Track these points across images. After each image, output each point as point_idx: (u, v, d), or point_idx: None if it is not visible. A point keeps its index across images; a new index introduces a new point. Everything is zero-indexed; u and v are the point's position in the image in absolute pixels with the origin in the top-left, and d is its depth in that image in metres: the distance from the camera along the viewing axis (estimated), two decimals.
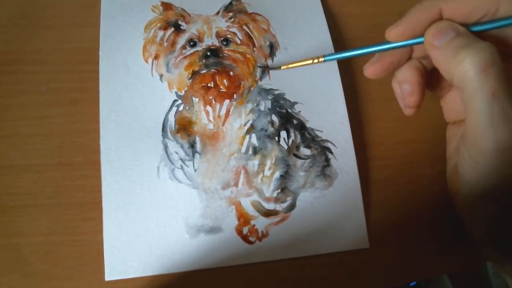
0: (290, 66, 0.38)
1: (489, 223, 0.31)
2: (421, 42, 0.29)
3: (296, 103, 0.42)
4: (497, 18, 0.27)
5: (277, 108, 0.42)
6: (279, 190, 0.39)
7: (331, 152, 0.41)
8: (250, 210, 0.39)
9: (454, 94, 0.36)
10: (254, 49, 0.44)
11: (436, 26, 0.28)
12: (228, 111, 0.41)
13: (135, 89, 0.41)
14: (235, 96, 0.41)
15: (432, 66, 0.33)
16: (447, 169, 0.38)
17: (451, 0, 0.28)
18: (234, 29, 0.44)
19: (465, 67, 0.26)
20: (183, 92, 0.41)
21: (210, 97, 0.41)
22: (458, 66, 0.27)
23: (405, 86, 0.32)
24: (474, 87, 0.26)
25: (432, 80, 0.35)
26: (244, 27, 0.44)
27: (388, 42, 0.30)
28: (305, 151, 0.41)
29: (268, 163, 0.40)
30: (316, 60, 0.32)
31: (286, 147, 0.40)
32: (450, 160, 0.38)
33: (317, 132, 0.41)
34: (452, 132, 0.38)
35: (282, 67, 0.38)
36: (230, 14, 0.45)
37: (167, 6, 0.45)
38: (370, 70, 0.32)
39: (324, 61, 0.32)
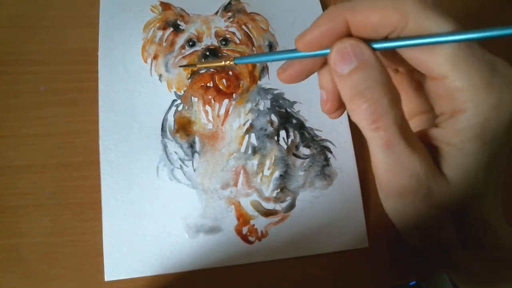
0: (203, 65, 0.39)
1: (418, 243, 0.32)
2: (325, 54, 0.27)
3: (295, 102, 0.42)
4: (400, 37, 0.25)
5: (276, 108, 0.42)
6: (279, 190, 0.39)
7: (331, 152, 0.41)
8: (250, 210, 0.39)
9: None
10: (253, 48, 0.44)
11: (338, 46, 0.25)
12: (227, 111, 0.41)
13: (134, 89, 0.41)
14: (234, 95, 0.41)
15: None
16: None
17: (356, 12, 0.25)
18: (233, 29, 0.44)
19: (356, 117, 0.25)
20: (182, 92, 0.41)
21: (209, 97, 0.41)
22: (352, 113, 0.26)
23: (322, 92, 0.31)
24: (368, 137, 0.26)
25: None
26: (243, 26, 0.44)
27: (296, 50, 0.28)
28: (304, 151, 0.41)
29: (268, 162, 0.40)
30: (227, 62, 0.31)
31: (285, 146, 0.40)
32: None
33: (316, 132, 0.41)
34: None
35: (198, 65, 0.38)
36: (229, 14, 0.45)
37: (166, 6, 0.45)
38: (281, 77, 0.30)
39: (235, 64, 0.31)
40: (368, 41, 0.25)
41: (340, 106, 0.31)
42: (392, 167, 0.26)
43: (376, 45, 0.25)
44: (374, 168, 0.28)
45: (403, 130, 0.25)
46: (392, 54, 0.28)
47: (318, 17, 0.26)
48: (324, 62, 0.29)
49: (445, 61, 0.24)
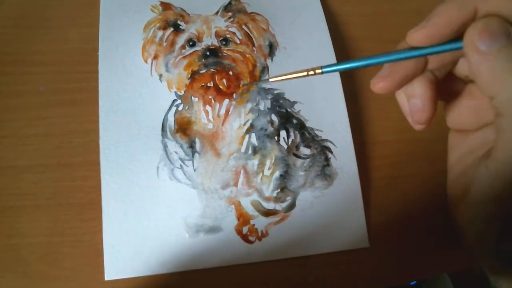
0: (281, 78, 0.30)
1: (495, 230, 0.28)
2: (459, 48, 0.24)
3: (295, 102, 0.42)
4: None
5: (277, 108, 0.42)
6: (279, 190, 0.39)
7: (331, 152, 0.41)
8: (250, 210, 0.39)
9: (464, 102, 0.31)
10: (254, 48, 0.43)
11: (485, 24, 0.23)
12: (227, 111, 0.41)
13: (134, 89, 0.41)
14: (234, 95, 0.41)
15: (444, 74, 0.28)
16: (448, 178, 0.34)
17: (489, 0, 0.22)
18: (233, 29, 0.44)
19: (508, 97, 0.22)
20: (183, 92, 0.41)
21: (210, 97, 0.41)
22: (507, 87, 0.23)
23: (415, 101, 0.27)
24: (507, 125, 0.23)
25: (441, 83, 0.29)
26: (243, 26, 0.44)
27: (404, 51, 0.24)
28: (304, 151, 0.41)
29: (268, 162, 0.40)
30: (312, 72, 0.27)
31: (285, 146, 0.40)
32: (452, 169, 0.33)
33: (316, 132, 0.41)
34: (455, 141, 0.33)
35: (271, 80, 0.32)
36: (229, 14, 0.45)
37: (166, 6, 0.45)
38: (381, 86, 0.26)
39: (322, 73, 0.26)
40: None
41: (434, 115, 0.28)
42: None
43: None
44: (500, 157, 0.25)
45: None
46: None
47: (438, 6, 0.24)
48: (424, 68, 0.26)
49: None
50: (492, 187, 0.26)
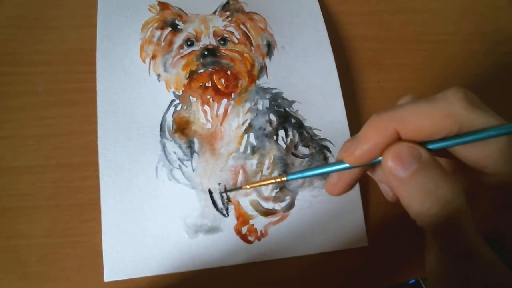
0: (252, 185, 0.35)
1: None
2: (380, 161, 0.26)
3: (294, 102, 0.42)
4: (456, 135, 0.24)
5: (275, 107, 0.42)
6: (278, 189, 0.39)
7: (329, 151, 0.41)
8: (249, 210, 0.39)
9: None
10: (252, 48, 0.43)
11: (394, 150, 0.24)
12: (226, 111, 0.41)
13: (133, 89, 0.41)
14: (233, 95, 0.41)
15: None
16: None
17: (406, 122, 0.24)
18: (231, 28, 0.44)
19: (430, 218, 0.24)
20: (181, 92, 0.41)
21: (208, 97, 0.41)
22: (423, 215, 0.24)
23: (382, 185, 0.31)
24: (436, 239, 0.25)
25: None
26: (241, 26, 0.44)
27: (340, 163, 0.27)
28: (303, 150, 0.41)
29: (267, 162, 0.40)
30: (278, 179, 0.30)
31: (284, 146, 0.40)
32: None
33: (315, 131, 0.41)
34: None
35: (243, 187, 0.34)
36: (227, 13, 0.45)
37: (164, 6, 0.44)
38: (334, 191, 0.29)
39: (287, 180, 0.30)
40: (420, 143, 0.25)
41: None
42: (466, 280, 0.24)
43: (430, 146, 0.25)
44: (435, 274, 0.27)
45: (476, 233, 0.24)
46: (441, 153, 0.27)
47: (363, 129, 0.26)
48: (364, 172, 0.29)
49: (498, 156, 0.24)
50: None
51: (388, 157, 0.25)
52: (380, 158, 0.26)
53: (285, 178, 0.30)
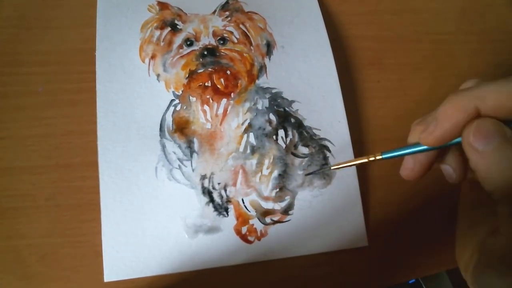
0: (342, 166, 0.33)
1: None
2: (459, 142, 0.26)
3: (293, 101, 0.42)
4: None
5: (275, 107, 0.42)
6: (278, 189, 0.39)
7: (329, 151, 0.41)
8: (249, 210, 0.39)
9: None
10: (251, 47, 0.43)
11: (478, 126, 0.25)
12: (225, 110, 0.41)
13: (132, 89, 0.41)
14: (232, 95, 0.41)
15: None
16: (457, 236, 0.35)
17: (487, 99, 0.24)
18: (230, 28, 0.44)
19: (510, 189, 0.24)
20: (180, 92, 0.41)
21: (207, 96, 0.41)
22: (503, 184, 0.24)
23: (446, 167, 0.30)
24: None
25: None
26: (241, 26, 0.44)
27: (419, 145, 0.28)
28: (303, 150, 0.41)
29: (266, 162, 0.40)
30: (372, 158, 0.30)
31: (284, 145, 0.40)
32: (461, 230, 0.34)
33: (315, 131, 0.41)
34: (468, 196, 0.34)
35: (332, 167, 0.34)
36: (227, 13, 0.45)
37: (163, 6, 0.44)
38: (412, 175, 0.30)
39: (382, 159, 0.29)
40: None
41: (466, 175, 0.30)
42: None
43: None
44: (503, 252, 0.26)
45: None
46: None
47: (441, 108, 0.26)
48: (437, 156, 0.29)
49: None
50: (498, 261, 0.27)
51: (471, 131, 0.25)
52: (459, 139, 0.26)
53: (380, 157, 0.30)
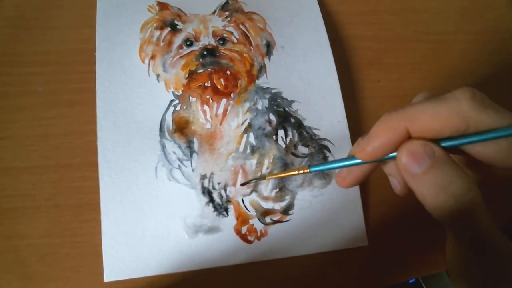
0: (273, 176, 0.37)
1: None
2: (394, 157, 0.27)
3: (293, 101, 0.42)
4: (466, 134, 0.25)
5: (275, 107, 0.42)
6: (278, 189, 0.39)
7: (329, 151, 0.41)
8: (249, 210, 0.39)
9: None
10: (251, 48, 0.43)
11: (408, 147, 0.26)
12: (225, 110, 0.41)
13: (132, 90, 0.41)
14: (232, 95, 0.41)
15: None
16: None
17: (416, 121, 0.25)
18: (230, 28, 0.44)
19: (445, 212, 0.24)
20: (180, 92, 0.41)
21: (207, 97, 0.41)
22: (439, 208, 0.25)
23: (391, 179, 0.31)
24: (454, 232, 0.26)
25: None
26: (241, 26, 0.44)
27: (352, 159, 0.29)
28: (302, 150, 0.41)
29: (266, 162, 0.40)
30: (301, 171, 0.31)
31: (283, 145, 0.40)
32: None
33: (314, 131, 0.41)
34: None
35: (267, 177, 0.36)
36: (227, 13, 0.45)
37: (163, 6, 0.44)
38: (343, 184, 0.31)
39: (310, 171, 0.31)
40: (434, 140, 0.26)
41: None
42: (484, 269, 0.25)
43: (443, 144, 0.26)
44: (456, 267, 0.27)
45: (492, 225, 0.25)
46: (454, 149, 0.28)
47: (375, 127, 0.27)
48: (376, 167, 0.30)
49: (509, 151, 0.25)
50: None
51: (403, 154, 0.26)
52: (392, 154, 0.27)
53: (308, 170, 0.31)
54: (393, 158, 0.27)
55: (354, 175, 0.30)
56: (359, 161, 0.28)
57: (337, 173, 0.31)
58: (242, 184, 0.39)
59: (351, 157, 0.29)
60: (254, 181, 0.39)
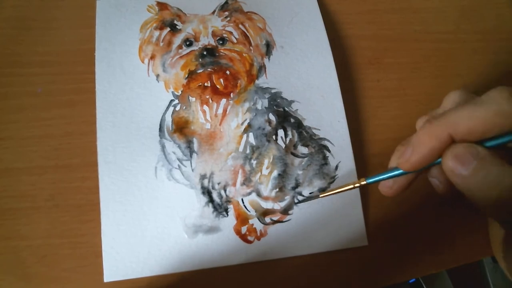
0: (328, 194, 0.35)
1: None
2: (438, 163, 0.28)
3: (293, 101, 0.42)
4: (509, 132, 0.25)
5: (274, 107, 0.42)
6: (277, 189, 0.39)
7: (329, 150, 0.41)
8: (249, 210, 0.39)
9: None
10: (251, 47, 0.43)
11: (453, 151, 0.27)
12: (225, 110, 0.41)
13: (132, 90, 0.41)
14: (232, 95, 0.41)
15: None
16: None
17: (459, 127, 0.26)
18: (230, 28, 0.44)
19: (496, 208, 0.26)
20: (180, 92, 0.41)
21: (207, 97, 0.41)
22: (490, 206, 0.26)
23: (433, 180, 0.31)
24: (503, 227, 0.27)
25: None
26: (240, 26, 0.44)
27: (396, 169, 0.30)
28: (302, 150, 0.41)
29: (266, 162, 0.40)
30: (357, 184, 0.32)
31: (283, 145, 0.40)
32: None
33: (314, 131, 0.41)
34: None
35: (321, 195, 0.36)
36: (226, 13, 0.45)
37: (162, 6, 0.44)
38: (390, 193, 0.32)
39: (367, 183, 0.32)
40: (478, 142, 0.27)
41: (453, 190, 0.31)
42: None
43: (487, 144, 0.26)
44: (504, 247, 0.29)
45: None
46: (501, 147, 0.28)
47: (417, 136, 0.28)
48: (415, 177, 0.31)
49: None
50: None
51: (448, 158, 0.27)
52: (438, 160, 0.28)
53: (365, 182, 0.32)
54: (437, 164, 0.28)
55: (399, 185, 0.31)
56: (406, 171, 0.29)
57: (381, 184, 0.32)
58: (296, 203, 0.39)
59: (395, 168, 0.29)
60: (307, 200, 0.39)
